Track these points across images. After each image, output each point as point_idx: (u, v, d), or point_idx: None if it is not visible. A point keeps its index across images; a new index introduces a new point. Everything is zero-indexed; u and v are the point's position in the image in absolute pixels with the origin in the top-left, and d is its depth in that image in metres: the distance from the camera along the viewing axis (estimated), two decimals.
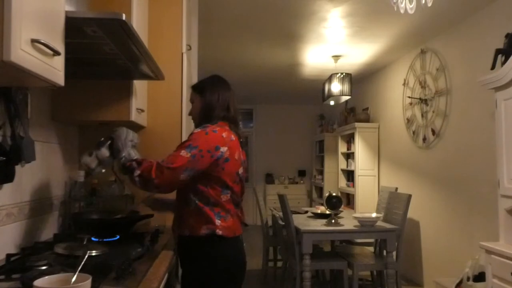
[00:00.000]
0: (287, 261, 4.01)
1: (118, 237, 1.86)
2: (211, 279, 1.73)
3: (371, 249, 4.34)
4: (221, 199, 1.76)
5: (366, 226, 3.60)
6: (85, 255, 1.24)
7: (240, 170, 1.85)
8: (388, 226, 3.73)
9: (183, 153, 1.68)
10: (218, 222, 1.72)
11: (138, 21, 2.13)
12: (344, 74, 4.81)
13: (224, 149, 1.75)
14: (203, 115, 1.89)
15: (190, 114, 2.00)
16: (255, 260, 4.87)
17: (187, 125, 2.61)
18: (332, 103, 5.18)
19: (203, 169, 1.72)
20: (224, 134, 1.79)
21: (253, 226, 8.19)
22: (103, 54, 1.67)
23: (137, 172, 1.65)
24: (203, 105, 1.90)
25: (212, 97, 1.89)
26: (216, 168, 1.74)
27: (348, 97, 4.96)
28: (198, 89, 1.95)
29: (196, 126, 1.90)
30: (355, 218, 3.74)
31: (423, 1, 2.11)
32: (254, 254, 5.05)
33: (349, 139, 6.38)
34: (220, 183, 1.76)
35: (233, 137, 1.84)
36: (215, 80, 1.98)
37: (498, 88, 2.74)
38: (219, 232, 1.72)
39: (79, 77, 2.02)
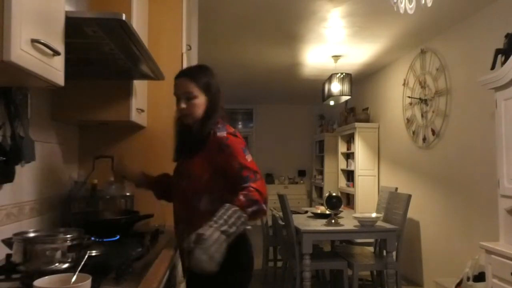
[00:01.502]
0: (287, 261, 4.01)
1: (118, 237, 1.86)
2: (239, 281, 1.68)
3: (371, 249, 4.34)
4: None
5: (366, 226, 3.60)
6: (85, 255, 1.24)
7: None
8: (388, 226, 3.73)
9: (249, 158, 1.62)
10: None
11: (138, 21, 2.13)
12: (344, 74, 4.81)
13: None
14: (208, 115, 1.70)
15: (186, 108, 1.70)
16: (255, 260, 4.86)
17: None
18: (332, 103, 5.18)
19: None
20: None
21: (253, 226, 8.19)
22: (103, 54, 1.67)
23: (263, 206, 1.57)
24: (210, 103, 1.72)
25: (217, 95, 1.74)
26: None
27: (348, 97, 4.97)
28: (203, 84, 1.72)
29: (196, 125, 1.70)
30: (355, 218, 3.74)
31: (423, 1, 2.11)
32: (254, 254, 5.05)
33: (349, 139, 6.38)
34: None
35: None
36: (212, 73, 1.78)
37: (498, 88, 2.74)
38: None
39: (79, 77, 2.02)
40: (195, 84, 1.70)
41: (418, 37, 4.34)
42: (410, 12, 2.16)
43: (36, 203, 1.86)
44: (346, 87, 4.79)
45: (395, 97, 5.24)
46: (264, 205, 1.56)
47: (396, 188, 4.56)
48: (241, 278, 1.71)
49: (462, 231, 3.80)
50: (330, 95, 4.90)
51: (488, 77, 2.82)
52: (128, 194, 2.30)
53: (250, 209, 1.49)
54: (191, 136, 1.72)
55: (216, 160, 1.63)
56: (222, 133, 1.64)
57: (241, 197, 1.50)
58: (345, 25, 3.96)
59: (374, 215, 3.81)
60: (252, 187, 1.54)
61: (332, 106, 5.97)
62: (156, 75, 2.05)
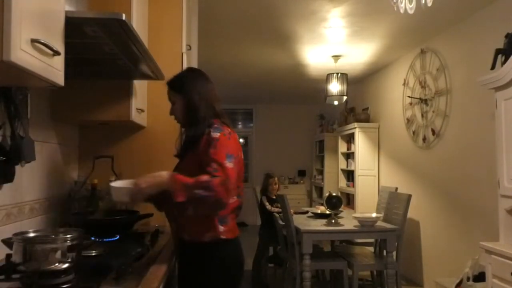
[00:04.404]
0: (287, 261, 4.01)
1: (118, 237, 1.86)
2: (212, 281, 1.71)
3: (371, 249, 4.34)
4: (229, 204, 1.69)
5: (366, 226, 3.60)
6: None
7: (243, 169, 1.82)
8: (388, 226, 3.73)
9: (228, 164, 1.60)
10: (221, 228, 1.70)
11: (138, 21, 2.13)
12: (340, 74, 4.84)
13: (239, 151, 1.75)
14: (189, 118, 1.79)
15: (172, 114, 1.87)
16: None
17: None
18: (336, 103, 5.18)
19: None
20: (235, 136, 1.76)
21: (253, 226, 8.19)
22: (103, 54, 1.67)
23: (212, 197, 1.54)
24: (187, 106, 1.79)
25: (195, 96, 1.77)
26: None
27: (345, 97, 4.99)
28: (177, 88, 1.82)
29: (186, 127, 1.85)
30: (355, 218, 3.74)
31: (423, 1, 2.11)
32: (254, 254, 5.04)
33: (349, 139, 6.38)
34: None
35: (236, 136, 1.80)
36: (193, 75, 1.86)
37: (498, 88, 2.74)
38: (223, 236, 1.70)
39: (79, 77, 2.02)
40: (171, 90, 1.83)
41: (418, 37, 4.34)
42: (410, 12, 2.16)
43: (36, 203, 1.86)
44: (343, 87, 4.83)
45: (395, 97, 5.24)
46: (218, 200, 1.54)
47: (396, 188, 4.55)
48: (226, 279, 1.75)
49: (462, 231, 3.80)
50: (329, 95, 4.93)
51: (488, 77, 2.82)
52: None
53: (197, 191, 1.52)
54: (185, 137, 1.86)
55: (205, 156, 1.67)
56: (215, 134, 1.68)
57: (204, 177, 1.54)
58: (345, 25, 3.96)
59: (374, 215, 3.81)
60: (217, 177, 1.54)
61: (332, 106, 5.97)
62: (156, 75, 2.05)
